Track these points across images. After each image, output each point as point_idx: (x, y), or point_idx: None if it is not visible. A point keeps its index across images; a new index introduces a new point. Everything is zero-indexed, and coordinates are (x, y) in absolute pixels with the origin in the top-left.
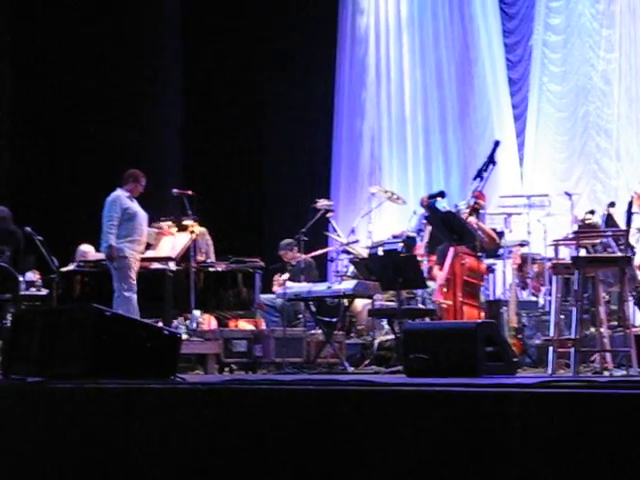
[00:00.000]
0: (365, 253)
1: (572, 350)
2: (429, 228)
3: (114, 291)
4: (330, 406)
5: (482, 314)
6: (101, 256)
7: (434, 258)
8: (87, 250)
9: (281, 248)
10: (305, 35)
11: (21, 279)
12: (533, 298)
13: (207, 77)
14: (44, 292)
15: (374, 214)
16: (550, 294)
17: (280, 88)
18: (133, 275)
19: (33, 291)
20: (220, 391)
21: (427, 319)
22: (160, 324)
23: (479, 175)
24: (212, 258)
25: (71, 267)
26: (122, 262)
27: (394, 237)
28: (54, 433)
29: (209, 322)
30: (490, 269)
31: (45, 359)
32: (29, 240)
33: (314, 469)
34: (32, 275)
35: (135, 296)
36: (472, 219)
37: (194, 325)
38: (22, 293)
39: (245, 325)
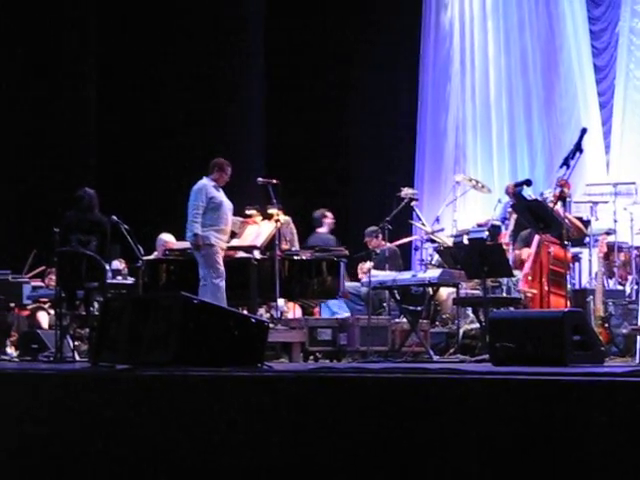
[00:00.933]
0: (450, 242)
1: None
2: (514, 216)
3: (199, 279)
4: (418, 394)
5: (568, 303)
6: (187, 244)
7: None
8: (168, 239)
9: (366, 235)
10: (389, 30)
11: (107, 268)
12: (620, 287)
13: (290, 69)
14: (130, 280)
15: (458, 202)
16: (637, 283)
17: (364, 80)
18: (220, 261)
19: (119, 279)
20: (308, 379)
21: (512, 308)
22: (245, 312)
23: (565, 163)
24: (296, 247)
25: (156, 255)
26: (208, 250)
27: (479, 225)
28: (142, 420)
29: (294, 310)
30: (576, 258)
31: (133, 347)
32: (115, 229)
33: (402, 456)
34: (118, 264)
35: (224, 283)
36: (558, 207)
37: (278, 314)
38: (108, 281)
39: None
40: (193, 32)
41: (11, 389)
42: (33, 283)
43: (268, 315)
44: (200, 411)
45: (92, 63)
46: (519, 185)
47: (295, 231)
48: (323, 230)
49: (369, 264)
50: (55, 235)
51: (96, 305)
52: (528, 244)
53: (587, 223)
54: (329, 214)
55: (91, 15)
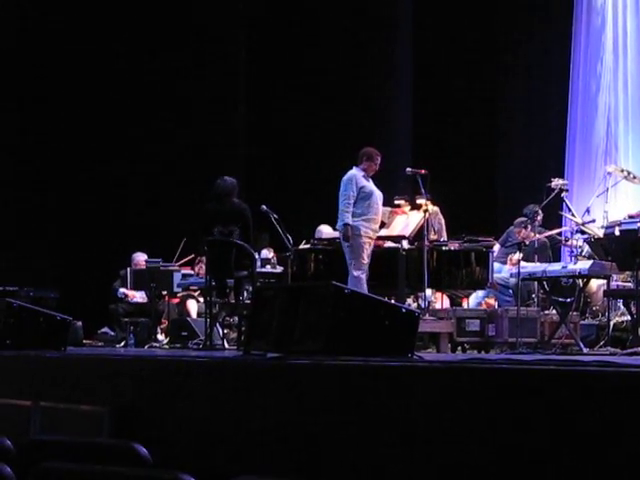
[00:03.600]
0: (601, 233)
1: None
2: None
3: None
4: (572, 387)
5: None
6: (335, 234)
7: None
8: (326, 231)
9: (515, 226)
10: (540, 8)
11: (257, 256)
12: None
13: (437, 54)
14: (279, 269)
15: (609, 193)
16: None
17: (514, 63)
18: (365, 255)
19: (268, 268)
20: (459, 369)
21: None
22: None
23: None
24: (444, 237)
25: (305, 245)
26: (356, 241)
27: (630, 217)
28: (292, 408)
29: (441, 301)
30: None
31: (284, 335)
32: (264, 218)
33: (556, 448)
34: (267, 252)
35: (364, 277)
36: None
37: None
38: (257, 270)
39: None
40: (341, 27)
41: (162, 375)
42: (183, 271)
43: (416, 305)
44: (350, 400)
45: (242, 57)
46: None
47: (443, 221)
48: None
49: (518, 255)
50: (201, 224)
51: (245, 294)
52: None
53: None
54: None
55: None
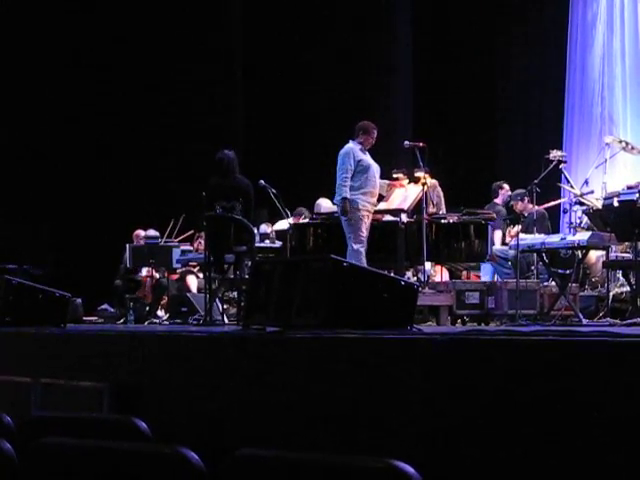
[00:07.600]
0: (599, 204)
1: None
2: None
3: (346, 243)
4: (572, 358)
5: None
6: (334, 208)
7: None
8: (324, 205)
9: (512, 198)
10: None
11: (255, 231)
12: None
13: (438, 25)
14: (278, 244)
15: (608, 164)
16: None
17: (512, 36)
18: (364, 229)
19: (267, 243)
20: (459, 341)
21: None
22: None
23: None
24: (443, 210)
25: (304, 219)
26: (354, 215)
27: (629, 188)
28: (293, 382)
29: (441, 274)
30: None
31: (283, 309)
32: (263, 193)
33: (554, 418)
34: (266, 227)
35: (364, 250)
36: None
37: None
38: (256, 245)
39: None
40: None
41: (162, 351)
42: (182, 247)
43: (415, 279)
44: (349, 373)
45: (239, 28)
46: None
47: (442, 194)
48: (497, 201)
49: (517, 227)
50: (203, 200)
51: (244, 269)
52: None
53: None
54: (506, 186)
55: None
